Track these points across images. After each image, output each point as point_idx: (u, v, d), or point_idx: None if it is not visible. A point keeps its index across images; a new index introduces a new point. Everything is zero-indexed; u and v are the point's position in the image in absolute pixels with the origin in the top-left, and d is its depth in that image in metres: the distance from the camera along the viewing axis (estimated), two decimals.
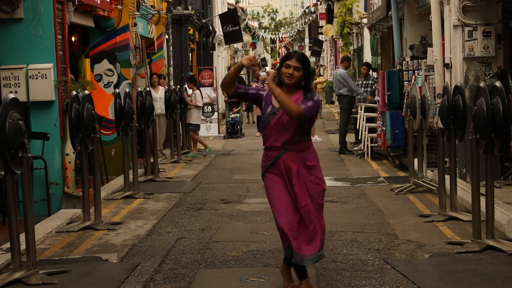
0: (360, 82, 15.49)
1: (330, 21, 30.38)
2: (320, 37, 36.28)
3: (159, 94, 14.28)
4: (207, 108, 20.32)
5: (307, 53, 44.60)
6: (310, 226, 5.17)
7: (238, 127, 19.82)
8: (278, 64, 5.49)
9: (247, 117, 25.97)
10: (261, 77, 22.13)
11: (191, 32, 23.02)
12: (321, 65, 29.82)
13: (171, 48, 17.66)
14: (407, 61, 12.28)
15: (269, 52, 75.92)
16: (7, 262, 6.34)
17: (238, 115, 20.30)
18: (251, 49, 50.00)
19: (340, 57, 20.97)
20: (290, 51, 5.38)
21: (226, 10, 29.64)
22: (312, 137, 20.13)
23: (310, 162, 5.26)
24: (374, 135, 13.64)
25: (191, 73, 20.36)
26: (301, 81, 5.22)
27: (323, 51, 35.61)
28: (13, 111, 5.83)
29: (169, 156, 14.67)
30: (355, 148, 15.41)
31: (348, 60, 16.63)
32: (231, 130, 19.78)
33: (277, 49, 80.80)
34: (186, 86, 16.43)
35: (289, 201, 5.22)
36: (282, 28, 68.18)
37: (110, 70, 12.18)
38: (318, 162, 5.34)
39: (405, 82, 12.13)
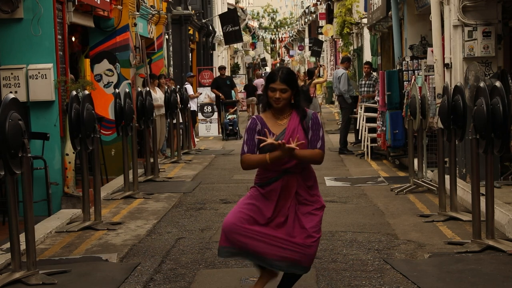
0: (363, 82, 15.43)
1: (330, 21, 30.37)
2: (320, 37, 36.28)
3: (158, 94, 14.27)
4: (207, 108, 20.29)
5: (307, 53, 44.62)
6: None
7: (237, 128, 19.73)
8: (263, 85, 5.24)
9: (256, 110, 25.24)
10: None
11: (191, 32, 23.03)
12: (321, 65, 29.77)
13: (171, 48, 17.67)
14: (407, 61, 12.27)
15: (269, 52, 75.97)
16: (7, 262, 6.34)
17: (235, 115, 20.01)
18: (251, 49, 50.02)
19: (340, 57, 20.92)
20: (273, 70, 5.00)
21: (226, 10, 29.70)
22: None
23: (309, 182, 4.99)
24: (374, 135, 13.64)
25: (192, 73, 20.35)
26: (291, 100, 4.94)
27: (323, 51, 35.61)
28: (13, 111, 5.83)
29: (168, 153, 14.75)
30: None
31: (349, 60, 16.61)
32: (229, 132, 19.60)
33: (277, 49, 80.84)
34: (186, 86, 16.41)
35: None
36: (282, 28, 68.21)
37: (110, 70, 12.18)
38: (316, 179, 5.09)
39: (405, 82, 12.12)
